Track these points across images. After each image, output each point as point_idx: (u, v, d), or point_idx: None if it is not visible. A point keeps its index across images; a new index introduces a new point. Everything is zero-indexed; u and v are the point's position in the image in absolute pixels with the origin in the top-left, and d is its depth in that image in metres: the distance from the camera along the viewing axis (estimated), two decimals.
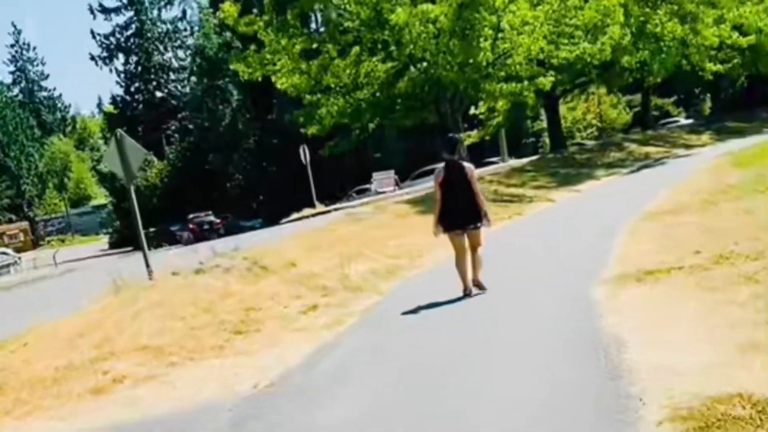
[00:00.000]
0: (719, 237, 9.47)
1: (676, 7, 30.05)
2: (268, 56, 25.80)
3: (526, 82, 23.71)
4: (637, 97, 54.20)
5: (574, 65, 27.96)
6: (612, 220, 14.24)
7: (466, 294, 9.42)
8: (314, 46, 26.23)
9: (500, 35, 23.62)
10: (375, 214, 19.48)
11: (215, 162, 55.00)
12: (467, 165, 9.62)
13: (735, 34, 34.46)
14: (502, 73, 24.50)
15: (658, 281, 8.04)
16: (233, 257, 13.46)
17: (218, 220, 45.67)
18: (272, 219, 39.08)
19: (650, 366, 5.30)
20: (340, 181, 45.38)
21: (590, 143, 41.42)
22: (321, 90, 26.90)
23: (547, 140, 50.63)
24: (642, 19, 28.93)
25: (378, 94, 25.95)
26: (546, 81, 23.97)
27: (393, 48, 24.46)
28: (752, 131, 36.91)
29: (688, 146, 34.80)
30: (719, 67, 36.83)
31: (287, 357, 7.88)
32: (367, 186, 38.97)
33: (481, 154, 44.61)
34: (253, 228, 38.69)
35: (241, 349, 8.51)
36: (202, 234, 41.61)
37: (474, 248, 9.50)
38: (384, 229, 17.41)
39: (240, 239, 19.12)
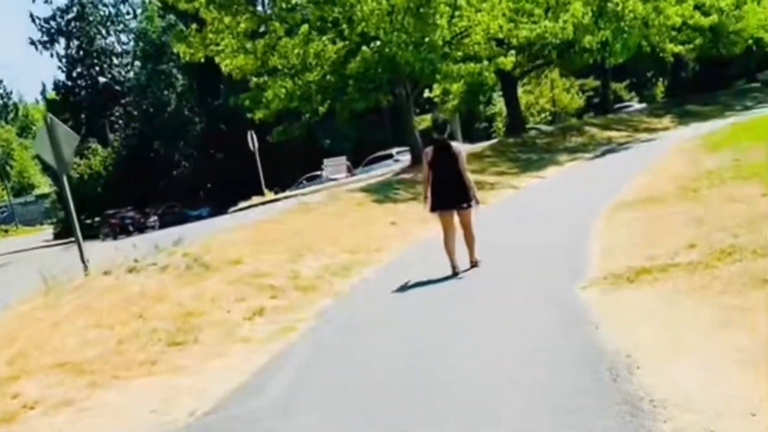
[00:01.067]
0: (712, 228, 8.66)
1: None
2: (211, 36, 24.55)
3: (485, 62, 22.82)
4: (590, 82, 54.51)
5: (534, 45, 27.16)
6: (586, 208, 13.42)
7: (455, 273, 9.55)
8: (260, 25, 25.02)
9: (457, 12, 22.71)
10: (328, 204, 18.42)
11: (161, 149, 54.30)
12: (455, 145, 10.05)
13: (697, 14, 34.07)
14: (460, 53, 23.61)
15: (655, 282, 7.15)
16: (172, 253, 12.38)
17: (140, 215, 45.30)
18: (221, 208, 38.59)
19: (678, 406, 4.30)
20: (291, 168, 45.06)
21: (547, 128, 40.78)
22: (268, 72, 25.74)
23: (500, 125, 50.75)
24: None
25: (329, 75, 24.85)
26: (507, 61, 23.13)
27: (344, 26, 23.40)
28: (713, 115, 36.78)
29: (650, 130, 34.36)
30: (680, 48, 36.39)
31: (230, 375, 6.87)
32: (318, 173, 38.60)
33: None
34: (200, 217, 38.29)
35: (177, 365, 7.47)
36: (125, 230, 41.45)
37: (466, 228, 9.78)
38: (338, 219, 16.42)
39: (181, 231, 18.03)
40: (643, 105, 52.00)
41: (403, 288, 9.41)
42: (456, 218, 9.77)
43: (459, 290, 8.82)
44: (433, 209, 9.94)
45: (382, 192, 20.02)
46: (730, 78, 55.28)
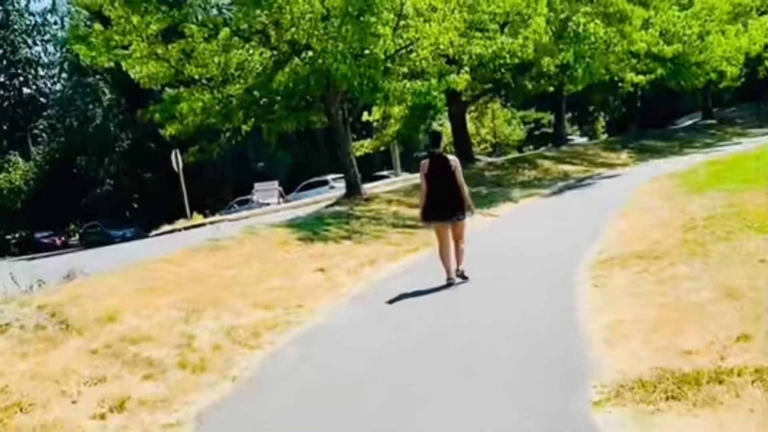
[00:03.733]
0: (756, 305, 6.49)
1: (603, 6, 27.61)
2: (117, 37, 21.84)
3: (434, 81, 20.58)
4: (531, 114, 54.53)
5: (486, 66, 25.10)
6: (564, 261, 11.09)
7: (449, 283, 10.14)
8: (176, 27, 22.40)
9: (402, 22, 20.48)
10: (243, 241, 15.82)
11: (85, 165, 53.52)
12: (452, 158, 10.46)
13: (661, 42, 32.66)
14: (405, 69, 21.38)
15: (713, 402, 4.96)
16: (24, 304, 9.73)
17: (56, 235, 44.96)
18: (146, 229, 38.09)
19: None
20: (222, 191, 46.08)
21: (495, 159, 39.11)
22: (184, 82, 23.26)
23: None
24: (564, 16, 26.28)
25: (253, 90, 22.39)
26: (461, 79, 20.90)
27: (271, 32, 20.99)
28: (672, 151, 35.75)
29: (608, 165, 32.65)
30: (641, 78, 34.89)
31: None
32: (249, 197, 38.25)
33: (370, 167, 43.27)
34: (124, 238, 37.75)
35: None
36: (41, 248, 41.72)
37: (458, 240, 10.35)
38: (253, 263, 13.89)
39: (87, 258, 16.06)
40: (585, 139, 51.02)
41: (330, 369, 7.05)
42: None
43: (393, 406, 6.39)
44: (429, 220, 10.62)
45: (311, 228, 17.52)
46: (681, 113, 54.81)
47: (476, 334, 7.85)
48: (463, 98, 30.86)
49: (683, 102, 55.27)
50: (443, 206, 10.21)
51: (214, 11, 24.96)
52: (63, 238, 46.26)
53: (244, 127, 24.11)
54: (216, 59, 21.58)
